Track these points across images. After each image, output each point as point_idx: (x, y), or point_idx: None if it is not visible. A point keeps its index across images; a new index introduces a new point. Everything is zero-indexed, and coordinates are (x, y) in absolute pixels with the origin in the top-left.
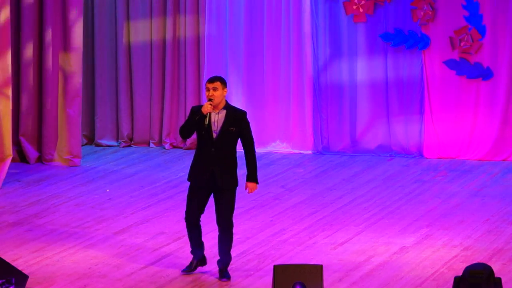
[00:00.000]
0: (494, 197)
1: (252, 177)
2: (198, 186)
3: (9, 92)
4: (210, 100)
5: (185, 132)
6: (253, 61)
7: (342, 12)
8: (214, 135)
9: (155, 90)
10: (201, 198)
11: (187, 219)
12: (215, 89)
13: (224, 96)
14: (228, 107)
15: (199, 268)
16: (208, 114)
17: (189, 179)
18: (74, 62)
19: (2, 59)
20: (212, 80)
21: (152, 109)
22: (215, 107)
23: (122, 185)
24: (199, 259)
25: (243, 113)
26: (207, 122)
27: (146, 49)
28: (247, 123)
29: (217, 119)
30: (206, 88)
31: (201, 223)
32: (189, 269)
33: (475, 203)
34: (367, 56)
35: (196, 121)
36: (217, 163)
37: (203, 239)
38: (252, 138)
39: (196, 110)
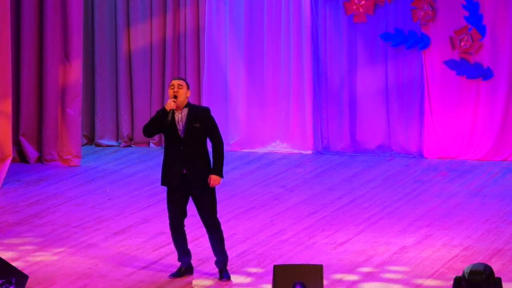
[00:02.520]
0: (494, 197)
1: (216, 170)
2: (173, 188)
3: (9, 92)
4: (174, 97)
5: (148, 130)
6: (253, 61)
7: (342, 12)
8: (181, 133)
9: (155, 90)
10: (179, 201)
11: (171, 225)
12: (180, 86)
13: (187, 97)
14: (190, 105)
15: (199, 269)
16: (171, 112)
17: (162, 183)
18: (74, 62)
19: (2, 59)
20: (177, 78)
21: (152, 109)
22: (177, 106)
23: (122, 185)
24: (186, 266)
25: (206, 109)
26: (169, 118)
27: (146, 49)
28: (211, 118)
29: (181, 117)
30: (171, 85)
31: (200, 223)
32: (177, 274)
33: (475, 203)
34: (367, 56)
35: (159, 118)
36: (188, 162)
37: (202, 239)
38: (218, 133)
39: (157, 112)
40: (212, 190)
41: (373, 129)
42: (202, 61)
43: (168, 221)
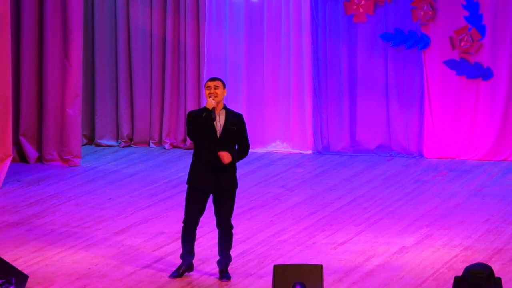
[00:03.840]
0: (494, 197)
1: (234, 153)
2: (200, 188)
3: (9, 92)
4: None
5: (196, 133)
6: (253, 61)
7: (342, 12)
8: (219, 134)
9: (155, 90)
10: (202, 200)
11: (186, 222)
12: (216, 87)
13: (223, 97)
14: (226, 108)
15: (199, 269)
16: (213, 109)
17: (189, 182)
18: (74, 62)
19: (2, 59)
20: (213, 78)
21: (152, 109)
22: (216, 106)
23: (122, 185)
24: (187, 265)
25: (241, 115)
26: (214, 117)
27: (146, 49)
28: (245, 124)
29: (219, 119)
30: (207, 86)
31: (200, 223)
32: (176, 274)
33: (475, 203)
34: (367, 56)
35: (204, 118)
36: (222, 164)
37: (202, 239)
38: (247, 138)
39: (196, 113)
40: (234, 195)
41: (373, 129)
42: (202, 61)
43: (169, 221)
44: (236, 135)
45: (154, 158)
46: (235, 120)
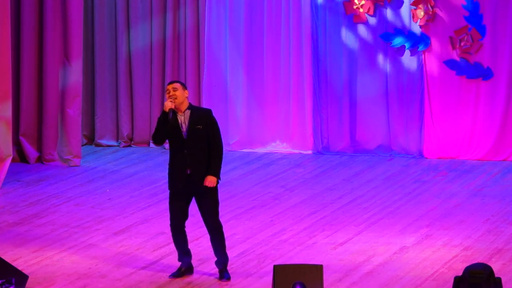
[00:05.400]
0: (494, 197)
1: (213, 171)
2: (177, 191)
3: (9, 92)
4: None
5: (156, 137)
6: (253, 61)
7: (342, 12)
8: (184, 135)
9: (155, 90)
10: (182, 203)
11: (172, 226)
12: (175, 89)
13: (186, 97)
14: (191, 107)
15: (199, 269)
16: (173, 112)
17: (169, 187)
18: (74, 62)
19: (2, 59)
20: (171, 82)
21: (152, 109)
22: (178, 109)
23: (122, 185)
24: (187, 266)
25: (208, 111)
26: (171, 116)
27: (146, 49)
28: (213, 120)
29: (183, 119)
30: (166, 90)
31: (200, 223)
32: (176, 274)
33: (475, 203)
34: (367, 56)
35: (163, 121)
36: (192, 165)
37: (202, 239)
38: (218, 135)
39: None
40: (215, 193)
41: (373, 129)
42: (202, 61)
43: (168, 221)
44: (205, 133)
45: (154, 158)
46: (202, 119)
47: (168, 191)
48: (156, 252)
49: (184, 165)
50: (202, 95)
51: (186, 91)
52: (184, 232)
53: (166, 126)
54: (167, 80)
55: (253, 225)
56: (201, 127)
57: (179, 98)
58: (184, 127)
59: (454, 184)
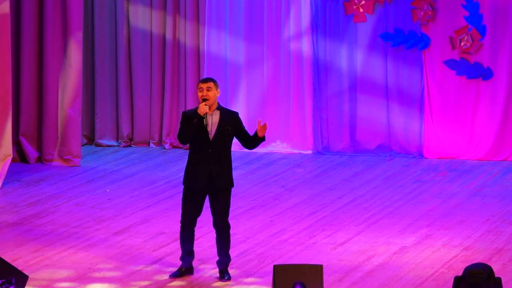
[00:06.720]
0: (494, 197)
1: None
2: (195, 188)
3: (9, 92)
4: (204, 100)
5: (185, 137)
6: (253, 61)
7: (342, 12)
8: (210, 136)
9: (155, 90)
10: (198, 200)
11: (184, 223)
12: (209, 89)
13: (217, 97)
14: (220, 108)
15: (199, 269)
16: (205, 114)
17: (185, 182)
18: (74, 62)
19: (2, 59)
20: (205, 80)
21: (152, 109)
22: (209, 108)
23: (122, 185)
24: (187, 266)
25: (236, 113)
26: (205, 123)
27: (146, 49)
28: (241, 121)
29: (212, 120)
30: (199, 88)
31: (200, 223)
32: (177, 274)
33: (475, 203)
34: (367, 56)
35: (195, 124)
36: (214, 164)
37: (202, 239)
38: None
39: (189, 114)
40: (229, 194)
41: (373, 129)
42: (202, 62)
43: (168, 221)
44: (232, 135)
45: (154, 158)
46: (230, 120)
47: (182, 186)
48: (156, 252)
49: (207, 164)
50: None
51: (218, 90)
52: (193, 230)
53: (198, 129)
54: (167, 80)
55: (253, 225)
56: (229, 128)
57: (211, 100)
58: (212, 128)
59: (454, 184)
